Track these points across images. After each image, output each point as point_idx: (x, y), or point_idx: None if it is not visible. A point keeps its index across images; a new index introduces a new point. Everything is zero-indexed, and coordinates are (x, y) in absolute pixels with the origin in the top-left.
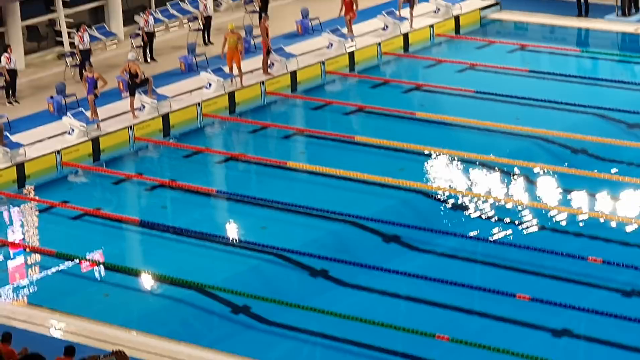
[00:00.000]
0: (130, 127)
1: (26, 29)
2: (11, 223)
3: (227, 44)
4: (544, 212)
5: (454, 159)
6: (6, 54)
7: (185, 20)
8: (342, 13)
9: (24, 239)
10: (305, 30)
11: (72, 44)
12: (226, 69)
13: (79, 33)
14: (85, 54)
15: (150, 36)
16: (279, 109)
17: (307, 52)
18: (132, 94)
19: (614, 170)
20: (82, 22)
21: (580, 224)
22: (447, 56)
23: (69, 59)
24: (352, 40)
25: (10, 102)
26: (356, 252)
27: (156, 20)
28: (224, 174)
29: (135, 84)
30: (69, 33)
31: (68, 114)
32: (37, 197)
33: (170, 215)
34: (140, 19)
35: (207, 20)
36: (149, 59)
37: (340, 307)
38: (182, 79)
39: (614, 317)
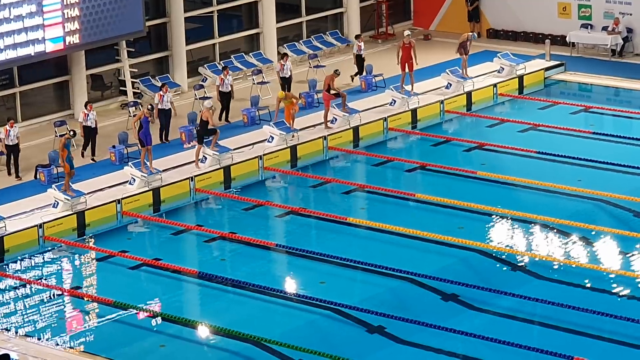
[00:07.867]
0: (192, 179)
1: (90, 78)
2: (70, 271)
3: (285, 105)
4: (604, 275)
5: (514, 219)
6: (84, 110)
7: (249, 73)
8: (400, 60)
9: (81, 287)
10: (369, 86)
11: (135, 94)
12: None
13: (160, 93)
14: (167, 114)
15: (227, 95)
16: (340, 164)
17: (369, 108)
18: (200, 142)
19: None
20: (146, 72)
21: None
22: (509, 116)
23: (132, 109)
24: (415, 97)
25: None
26: (414, 309)
27: (217, 72)
28: (284, 227)
29: (205, 130)
30: (132, 83)
31: (129, 163)
32: (96, 246)
33: (229, 267)
34: (217, 79)
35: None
36: (222, 120)
37: None
38: (245, 132)
39: None
